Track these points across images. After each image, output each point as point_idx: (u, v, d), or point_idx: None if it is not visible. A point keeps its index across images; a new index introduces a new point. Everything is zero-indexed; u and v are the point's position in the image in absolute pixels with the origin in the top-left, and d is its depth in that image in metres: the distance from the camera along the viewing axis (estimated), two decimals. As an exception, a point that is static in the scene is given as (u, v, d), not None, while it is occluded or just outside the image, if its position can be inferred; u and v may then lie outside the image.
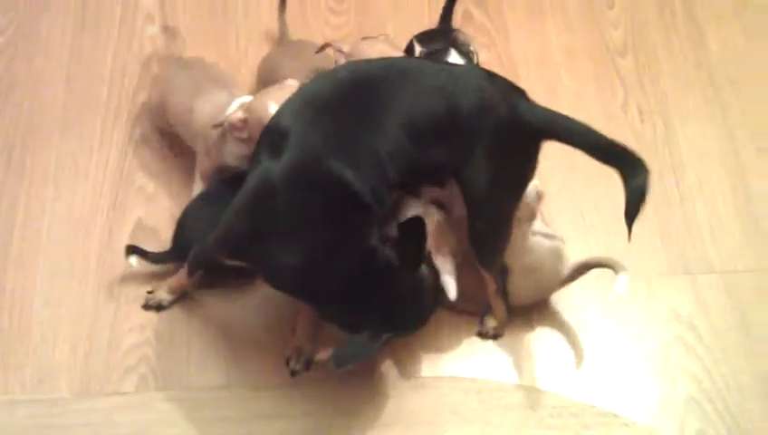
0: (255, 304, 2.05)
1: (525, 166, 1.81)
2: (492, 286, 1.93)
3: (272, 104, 1.89)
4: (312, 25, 2.53)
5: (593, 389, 1.97)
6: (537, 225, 1.94)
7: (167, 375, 1.98)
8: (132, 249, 2.04)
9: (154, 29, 2.34)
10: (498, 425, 1.92)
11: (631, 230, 1.72)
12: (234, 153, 2.03)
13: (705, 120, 2.36)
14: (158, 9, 2.56)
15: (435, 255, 1.87)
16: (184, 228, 2.04)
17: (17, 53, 2.48)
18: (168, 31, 2.39)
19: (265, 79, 2.21)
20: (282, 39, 2.42)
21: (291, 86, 1.94)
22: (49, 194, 2.23)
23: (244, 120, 1.94)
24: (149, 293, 2.05)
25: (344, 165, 1.69)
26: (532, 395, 1.96)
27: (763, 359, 2.01)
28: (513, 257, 1.93)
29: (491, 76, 1.83)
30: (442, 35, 2.23)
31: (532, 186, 1.90)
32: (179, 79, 2.19)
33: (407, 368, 2.00)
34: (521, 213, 1.91)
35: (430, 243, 1.85)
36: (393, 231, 1.79)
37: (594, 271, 1.99)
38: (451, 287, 1.84)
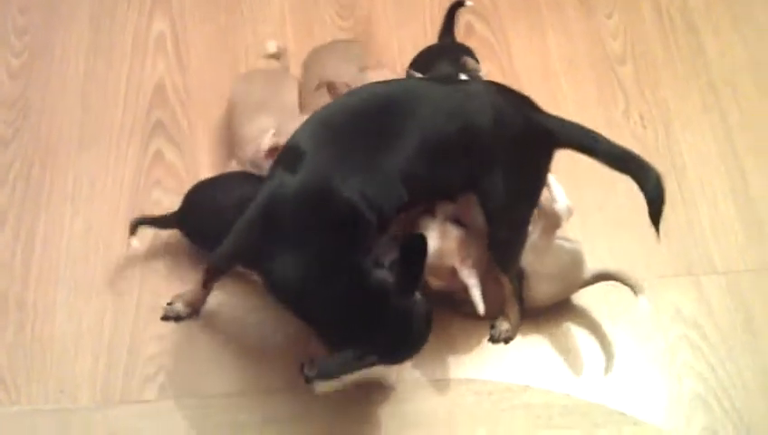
0: (270, 313, 2.08)
1: (541, 174, 1.88)
2: (509, 288, 1.97)
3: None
4: (318, 41, 2.55)
5: (602, 389, 2.00)
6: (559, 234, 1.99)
7: (185, 383, 2.01)
8: (138, 222, 2.11)
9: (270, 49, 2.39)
10: (509, 425, 1.96)
11: (659, 230, 1.81)
12: None
13: (705, 125, 2.39)
14: (170, 30, 2.61)
15: (460, 269, 1.90)
16: (189, 204, 2.12)
17: (32, 76, 2.53)
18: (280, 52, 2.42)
19: (310, 76, 2.27)
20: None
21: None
22: (67, 211, 2.27)
23: (275, 149, 1.97)
24: (168, 304, 2.09)
25: (353, 187, 1.72)
26: (542, 396, 1.99)
27: (766, 356, 2.04)
28: (537, 263, 1.97)
29: (502, 91, 1.89)
30: (440, 58, 2.26)
31: (563, 204, 1.97)
32: (241, 95, 2.28)
33: (420, 371, 2.02)
34: (547, 222, 1.96)
35: (455, 259, 1.91)
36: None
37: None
38: (479, 301, 1.88)
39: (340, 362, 1.75)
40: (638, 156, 1.80)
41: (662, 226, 2.18)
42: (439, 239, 1.91)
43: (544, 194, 1.96)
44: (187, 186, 2.22)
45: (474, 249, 1.94)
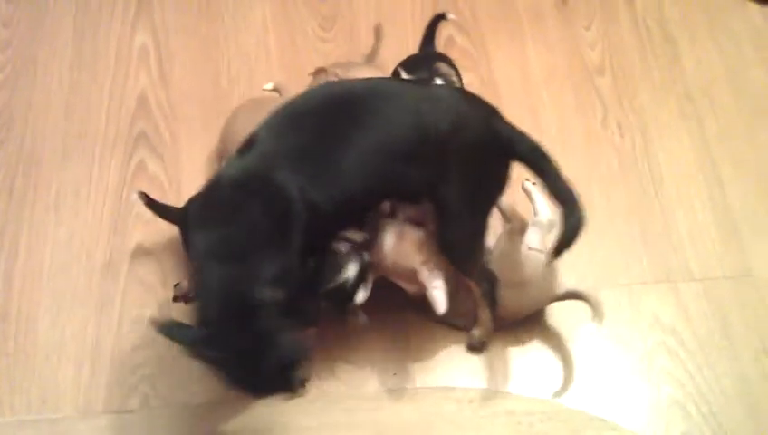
0: None
1: (497, 182, 1.88)
2: (477, 291, 1.97)
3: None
4: (301, 53, 2.59)
5: (581, 395, 2.01)
6: (534, 242, 1.98)
7: (168, 393, 2.02)
8: (146, 200, 2.13)
9: (268, 86, 2.39)
10: (490, 432, 1.97)
11: (555, 257, 1.78)
12: None
13: (683, 134, 2.42)
14: (152, 42, 2.63)
15: (420, 270, 1.90)
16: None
17: (16, 88, 2.54)
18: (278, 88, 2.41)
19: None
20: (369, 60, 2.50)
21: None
22: (51, 221, 2.29)
23: None
24: (176, 285, 2.10)
25: (293, 179, 1.73)
26: (523, 402, 2.00)
27: (743, 362, 2.06)
28: (503, 270, 1.97)
29: (469, 98, 1.90)
30: (426, 64, 2.27)
31: (546, 216, 1.98)
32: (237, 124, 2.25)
33: (400, 378, 2.04)
34: (512, 225, 1.98)
35: (414, 260, 1.91)
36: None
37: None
38: (439, 300, 1.87)
39: (178, 332, 1.72)
40: (577, 197, 1.79)
41: (641, 233, 2.24)
42: (396, 240, 1.92)
43: (507, 201, 1.99)
44: (170, 197, 2.25)
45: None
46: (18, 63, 2.60)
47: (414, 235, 1.93)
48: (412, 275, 1.92)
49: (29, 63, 2.60)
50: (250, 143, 1.80)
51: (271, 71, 2.56)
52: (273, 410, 1.99)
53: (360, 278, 1.92)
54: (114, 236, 2.25)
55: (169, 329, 1.72)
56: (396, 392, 2.02)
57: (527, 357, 2.07)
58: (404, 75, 2.21)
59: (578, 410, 2.00)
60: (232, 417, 1.99)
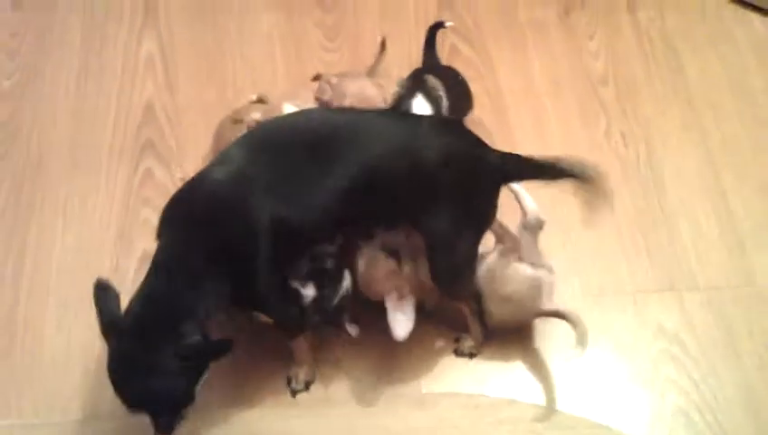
0: (258, 331, 2.07)
1: (487, 210, 1.90)
2: (467, 310, 2.00)
3: (286, 106, 2.00)
4: (306, 63, 2.61)
5: (586, 402, 2.02)
6: (528, 253, 1.99)
7: (174, 398, 2.03)
8: None
9: (252, 98, 2.41)
10: (495, 438, 1.97)
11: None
12: None
13: (686, 143, 2.44)
14: (159, 52, 2.65)
15: (388, 298, 1.93)
16: None
17: (24, 96, 2.56)
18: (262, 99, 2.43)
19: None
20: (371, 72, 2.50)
21: (305, 94, 2.08)
22: (58, 227, 2.30)
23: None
24: None
25: (264, 204, 1.75)
26: (528, 409, 2.01)
27: (747, 371, 2.07)
28: (490, 286, 1.98)
29: (453, 128, 1.92)
30: (414, 79, 2.26)
31: (534, 215, 1.98)
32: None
33: (405, 384, 2.05)
34: (504, 246, 1.99)
35: (382, 287, 1.94)
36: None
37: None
38: (397, 327, 1.90)
39: (104, 303, 1.78)
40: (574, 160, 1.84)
41: (645, 242, 2.26)
42: (366, 266, 1.96)
43: (502, 218, 1.99)
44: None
45: (420, 275, 1.96)
46: (26, 72, 2.62)
47: (384, 263, 1.96)
48: (383, 300, 1.95)
49: (36, 72, 2.62)
50: (224, 159, 1.82)
51: (276, 81, 2.58)
52: (277, 416, 2.00)
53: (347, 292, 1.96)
54: (121, 242, 2.26)
55: (103, 294, 1.78)
56: (402, 398, 2.03)
57: (531, 365, 2.08)
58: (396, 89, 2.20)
59: (582, 417, 2.00)
60: (237, 423, 2.00)
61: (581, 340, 1.93)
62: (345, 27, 2.71)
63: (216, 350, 1.78)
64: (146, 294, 1.78)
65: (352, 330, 1.99)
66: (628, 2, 2.75)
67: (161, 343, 1.73)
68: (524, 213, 1.99)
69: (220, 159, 1.84)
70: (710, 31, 2.66)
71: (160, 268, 1.78)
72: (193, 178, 1.86)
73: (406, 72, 2.44)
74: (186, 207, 1.82)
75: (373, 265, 1.95)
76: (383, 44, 2.53)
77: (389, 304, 1.92)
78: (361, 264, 1.96)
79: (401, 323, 1.90)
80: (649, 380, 2.06)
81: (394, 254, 1.96)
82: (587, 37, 2.67)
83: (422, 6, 2.75)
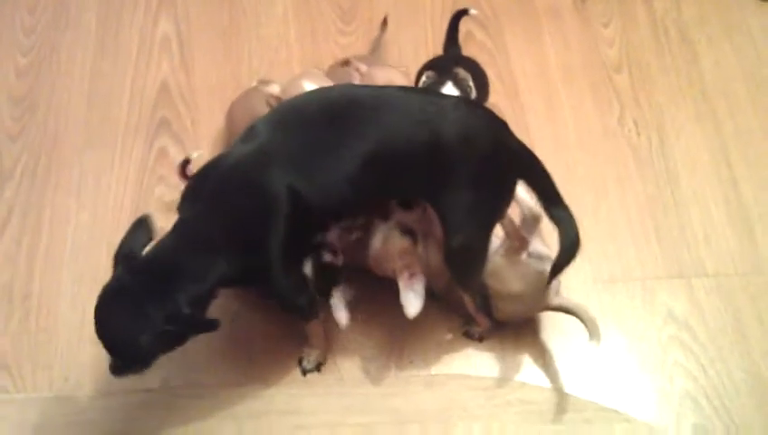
0: (270, 310, 2.12)
1: (502, 196, 1.88)
2: (470, 305, 2.01)
3: (306, 83, 2.01)
4: (321, 46, 2.63)
5: (594, 386, 2.04)
6: (533, 245, 1.99)
7: (187, 374, 2.06)
8: None
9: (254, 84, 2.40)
10: (504, 420, 1.99)
11: (553, 278, 1.88)
12: None
13: (698, 132, 2.44)
14: (174, 32, 2.67)
15: (400, 274, 1.94)
16: None
17: (40, 74, 2.59)
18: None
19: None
20: (374, 50, 2.53)
21: (321, 74, 2.11)
22: (73, 205, 2.33)
23: (278, 98, 2.04)
24: None
25: (283, 177, 1.76)
26: (536, 392, 2.03)
27: (755, 357, 2.08)
28: (499, 283, 1.98)
29: (478, 110, 1.90)
30: (444, 69, 2.27)
31: (528, 208, 1.97)
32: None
33: (415, 366, 2.07)
34: (512, 243, 1.97)
35: (394, 263, 1.95)
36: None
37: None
38: (409, 305, 1.91)
39: (130, 236, 1.82)
40: (574, 222, 1.85)
41: (656, 229, 2.26)
42: (382, 242, 1.97)
43: (513, 213, 1.98)
44: (191, 183, 2.27)
45: (431, 257, 1.97)
46: (42, 50, 2.64)
47: (398, 241, 1.98)
48: (394, 275, 1.96)
49: (53, 50, 2.64)
50: (250, 134, 1.83)
51: (291, 62, 2.60)
52: (289, 395, 2.03)
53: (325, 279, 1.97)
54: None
55: (137, 227, 1.83)
56: (412, 379, 2.05)
57: (541, 348, 2.09)
58: (423, 79, 2.23)
59: (590, 400, 2.02)
60: (249, 400, 2.03)
61: (594, 333, 1.95)
62: (360, 10, 2.71)
63: (202, 327, 1.79)
64: (160, 246, 1.80)
65: (340, 317, 1.99)
66: (643, -9, 2.76)
67: (153, 298, 1.73)
68: (519, 208, 1.99)
69: (245, 134, 1.85)
70: (725, 22, 2.65)
71: (178, 230, 1.81)
72: (219, 155, 1.89)
73: (419, 57, 2.47)
74: (207, 180, 1.84)
75: (388, 242, 1.97)
76: (385, 22, 2.55)
77: (402, 283, 1.93)
78: (378, 239, 1.97)
79: (412, 301, 1.91)
80: (658, 365, 2.08)
81: (409, 232, 1.97)
82: (602, 25, 2.66)
83: (438, -9, 2.76)
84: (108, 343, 1.76)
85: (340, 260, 1.97)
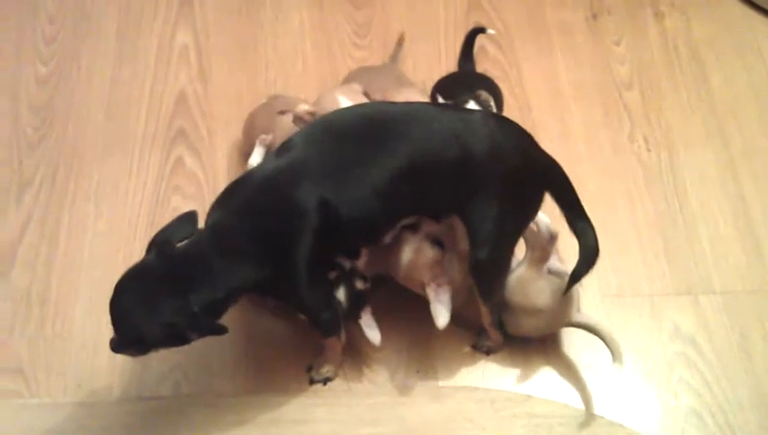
0: (280, 318, 2.16)
1: (529, 209, 1.93)
2: (488, 319, 2.03)
3: (341, 99, 2.02)
4: (337, 58, 2.66)
5: (601, 401, 2.04)
6: (551, 262, 2.02)
7: (199, 382, 2.08)
8: None
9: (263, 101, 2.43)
10: (510, 433, 2.00)
11: (571, 286, 1.91)
12: None
13: (708, 150, 2.45)
14: (193, 43, 2.71)
15: (428, 284, 1.96)
16: None
17: (60, 82, 2.62)
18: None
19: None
20: (392, 60, 2.56)
21: (357, 89, 2.11)
22: (90, 213, 2.35)
23: (312, 113, 2.04)
24: None
25: (314, 190, 1.79)
26: (543, 405, 2.04)
27: (760, 375, 2.09)
28: (523, 298, 2.00)
29: (504, 124, 1.93)
30: (466, 88, 2.27)
31: (545, 226, 2.00)
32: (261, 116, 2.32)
33: (422, 377, 2.09)
34: (534, 254, 2.00)
35: (424, 274, 1.97)
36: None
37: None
38: (440, 316, 1.93)
39: (165, 230, 1.86)
40: (595, 237, 1.89)
41: (664, 245, 2.28)
42: (413, 253, 1.98)
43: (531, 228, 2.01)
44: (207, 193, 2.32)
45: (453, 272, 1.98)
46: (62, 59, 2.67)
47: (429, 252, 1.98)
48: (422, 287, 1.98)
49: (73, 59, 2.67)
50: (286, 148, 1.87)
51: (306, 75, 2.63)
52: (299, 404, 2.05)
53: (354, 303, 1.99)
54: (151, 229, 2.25)
55: (182, 220, 1.87)
56: (419, 390, 2.07)
57: (548, 361, 2.11)
58: (440, 99, 2.24)
59: (597, 415, 2.03)
60: (260, 408, 2.04)
61: (617, 355, 1.98)
62: (375, 24, 2.74)
63: (206, 330, 1.80)
64: (193, 244, 1.83)
65: (373, 336, 2.01)
66: (655, 9, 2.77)
67: (168, 290, 1.76)
68: (537, 227, 2.01)
69: (281, 147, 1.88)
70: (736, 41, 2.68)
71: (210, 233, 1.83)
72: (257, 166, 1.95)
73: (433, 71, 2.50)
74: (241, 188, 1.87)
75: (418, 254, 1.97)
76: (401, 39, 2.58)
77: (431, 294, 1.95)
78: (407, 251, 1.98)
79: (442, 311, 1.93)
80: (664, 380, 2.09)
81: (438, 243, 1.99)
82: (613, 42, 2.69)
83: (452, 6, 2.78)
84: (114, 318, 1.80)
85: (368, 285, 2.00)
